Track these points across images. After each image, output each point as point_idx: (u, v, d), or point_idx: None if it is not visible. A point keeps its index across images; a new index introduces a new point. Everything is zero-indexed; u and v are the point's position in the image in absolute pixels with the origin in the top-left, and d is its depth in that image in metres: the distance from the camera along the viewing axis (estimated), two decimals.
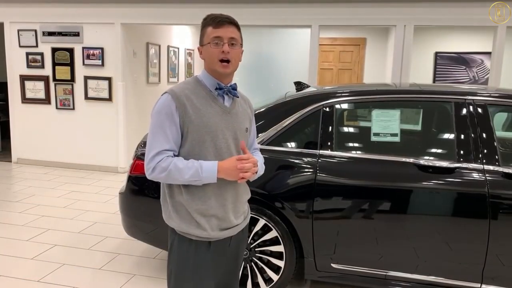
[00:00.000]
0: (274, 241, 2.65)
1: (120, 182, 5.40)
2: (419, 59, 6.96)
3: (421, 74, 7.02)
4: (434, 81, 7.06)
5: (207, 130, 1.57)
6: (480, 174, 2.40)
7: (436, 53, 6.96)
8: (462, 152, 2.48)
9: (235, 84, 1.68)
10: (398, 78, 5.21)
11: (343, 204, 2.52)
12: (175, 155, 1.59)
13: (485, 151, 2.44)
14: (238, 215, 1.71)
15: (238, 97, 1.71)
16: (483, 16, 4.87)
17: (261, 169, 1.74)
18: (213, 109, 1.61)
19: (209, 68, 1.63)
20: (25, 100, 6.20)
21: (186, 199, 1.60)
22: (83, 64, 5.94)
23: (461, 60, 6.92)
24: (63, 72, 6.03)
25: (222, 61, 1.57)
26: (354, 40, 7.37)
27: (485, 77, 6.81)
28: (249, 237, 2.67)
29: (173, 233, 1.66)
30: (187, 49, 8.05)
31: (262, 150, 2.67)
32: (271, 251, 2.67)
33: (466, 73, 6.93)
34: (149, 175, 1.57)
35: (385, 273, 2.54)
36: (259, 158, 1.80)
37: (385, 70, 7.07)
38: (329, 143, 2.62)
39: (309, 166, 2.58)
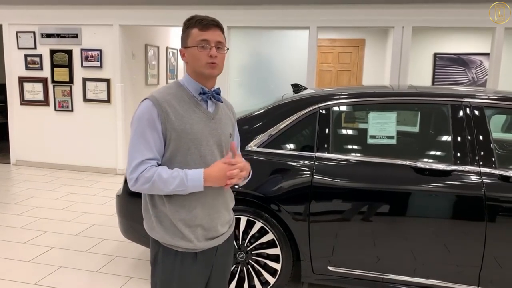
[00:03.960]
0: (270, 244, 2.64)
1: (119, 183, 5.39)
2: (418, 60, 6.95)
3: (420, 75, 7.00)
4: (433, 82, 7.05)
5: (191, 138, 1.51)
6: (476, 177, 2.39)
7: (435, 54, 6.94)
8: (458, 154, 2.47)
9: (218, 88, 1.63)
10: (397, 80, 5.21)
11: (339, 206, 2.52)
12: (158, 164, 1.51)
13: (482, 153, 2.44)
14: (224, 224, 1.66)
15: (222, 101, 1.65)
16: (482, 17, 4.86)
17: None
18: (196, 115, 1.54)
19: (194, 71, 1.56)
20: (23, 102, 6.20)
21: (170, 209, 1.53)
22: (82, 65, 5.94)
23: (460, 61, 6.91)
24: (61, 74, 6.03)
25: (209, 63, 1.51)
26: (353, 41, 7.37)
27: (484, 78, 6.80)
28: (245, 239, 2.67)
29: (156, 245, 1.59)
30: None
31: (259, 153, 2.67)
32: (267, 254, 2.67)
33: (465, 74, 6.92)
34: (132, 186, 1.49)
35: (382, 276, 2.53)
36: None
37: (384, 71, 7.06)
38: (325, 146, 2.62)
39: (305, 169, 2.57)
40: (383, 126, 2.60)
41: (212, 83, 1.61)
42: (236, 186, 2.55)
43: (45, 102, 6.14)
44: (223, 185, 1.52)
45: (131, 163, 1.49)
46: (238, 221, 2.62)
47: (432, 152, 2.74)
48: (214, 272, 1.68)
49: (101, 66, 5.89)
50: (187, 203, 1.53)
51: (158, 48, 6.91)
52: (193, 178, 1.47)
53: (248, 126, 2.76)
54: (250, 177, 1.70)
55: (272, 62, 7.00)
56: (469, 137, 2.47)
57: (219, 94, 1.62)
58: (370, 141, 2.62)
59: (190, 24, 1.55)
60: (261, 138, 2.70)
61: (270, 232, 2.61)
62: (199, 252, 1.58)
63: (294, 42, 7.07)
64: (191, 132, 1.51)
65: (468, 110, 2.53)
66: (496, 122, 3.29)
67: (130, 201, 2.91)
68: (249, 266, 2.70)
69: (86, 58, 5.91)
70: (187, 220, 1.54)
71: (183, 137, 1.51)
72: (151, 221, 1.58)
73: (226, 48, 1.58)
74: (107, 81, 5.89)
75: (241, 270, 2.69)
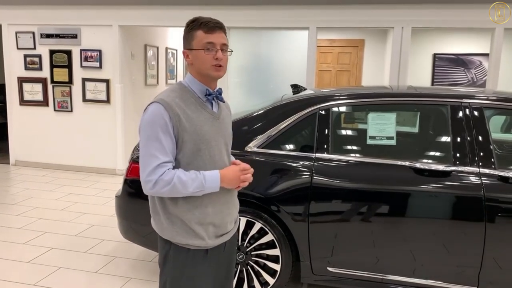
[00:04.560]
0: (270, 245, 2.64)
1: (118, 184, 5.38)
2: (418, 60, 6.96)
3: (420, 75, 7.00)
4: (432, 82, 7.05)
5: (201, 139, 1.55)
6: (476, 177, 2.39)
7: (435, 54, 6.95)
8: (458, 155, 2.47)
9: (220, 89, 1.66)
10: (396, 80, 5.21)
11: (339, 207, 2.52)
12: (173, 167, 1.54)
13: (481, 154, 2.44)
14: (232, 221, 1.72)
15: (224, 102, 1.70)
16: (481, 17, 4.87)
17: None
18: (204, 116, 1.58)
19: (199, 73, 1.59)
20: (23, 102, 6.20)
21: (182, 209, 1.56)
22: (81, 66, 5.93)
23: (460, 61, 6.91)
24: (61, 74, 6.03)
25: (215, 65, 1.55)
26: (352, 42, 7.37)
27: (484, 78, 6.80)
28: (245, 240, 2.67)
29: (167, 244, 1.62)
30: None
31: (258, 153, 2.67)
32: (267, 255, 2.67)
33: (464, 74, 6.93)
34: (150, 189, 1.50)
35: (381, 277, 2.53)
36: None
37: (383, 71, 7.06)
38: (325, 146, 2.62)
39: (305, 169, 2.57)
40: (382, 127, 2.60)
41: (215, 84, 1.65)
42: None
43: (44, 103, 6.13)
44: (235, 187, 1.61)
45: (147, 166, 1.50)
46: None
47: (432, 153, 2.74)
48: (222, 267, 1.73)
49: (100, 67, 5.88)
50: (199, 202, 1.57)
51: (157, 48, 6.91)
52: (210, 179, 1.53)
53: (248, 126, 2.75)
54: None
55: (271, 62, 7.00)
56: (468, 138, 2.48)
57: (221, 95, 1.67)
58: (369, 141, 2.62)
59: (195, 26, 1.56)
60: (261, 138, 2.70)
61: (270, 233, 2.61)
62: (210, 249, 1.62)
63: (294, 42, 7.08)
64: (201, 133, 1.55)
65: (467, 111, 2.53)
66: (495, 123, 3.29)
67: (129, 202, 2.91)
68: (248, 266, 2.70)
69: (86, 59, 5.90)
70: (199, 219, 1.58)
71: (194, 138, 1.54)
72: (161, 221, 1.61)
73: (230, 50, 1.61)
74: (107, 81, 5.89)
75: (241, 271, 2.69)
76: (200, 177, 1.51)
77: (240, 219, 2.60)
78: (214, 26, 1.55)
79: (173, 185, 1.48)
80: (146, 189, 1.51)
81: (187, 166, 1.55)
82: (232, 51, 1.63)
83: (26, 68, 6.12)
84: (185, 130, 1.52)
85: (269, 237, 2.62)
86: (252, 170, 1.66)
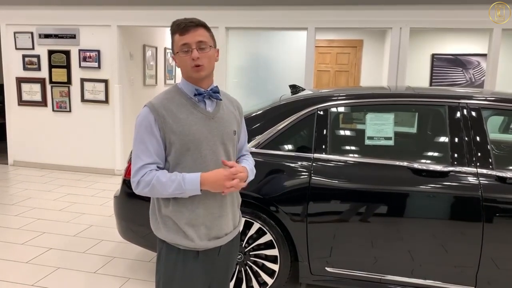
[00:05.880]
0: (268, 245, 2.64)
1: (117, 184, 5.38)
2: (416, 61, 6.97)
3: (418, 76, 7.01)
4: (431, 83, 7.06)
5: (190, 139, 1.54)
6: (474, 178, 2.40)
7: (433, 55, 6.96)
8: (456, 155, 2.48)
9: (216, 87, 1.63)
10: (395, 81, 5.22)
11: (337, 207, 2.52)
12: (159, 168, 1.56)
13: (479, 154, 2.45)
14: (228, 223, 1.68)
15: (221, 99, 1.65)
16: (480, 18, 4.88)
17: (251, 174, 1.71)
18: (194, 116, 1.56)
19: (186, 75, 1.59)
20: (21, 102, 6.19)
21: (173, 210, 1.57)
22: (80, 66, 5.93)
23: (458, 62, 6.93)
24: (59, 75, 6.02)
25: (193, 66, 1.53)
26: (351, 42, 7.38)
27: (482, 79, 6.82)
28: (243, 240, 2.67)
29: (161, 242, 1.65)
30: None
31: (257, 154, 2.67)
32: (265, 255, 2.67)
33: (463, 75, 6.94)
34: (135, 190, 1.56)
35: (380, 277, 2.54)
36: (249, 163, 1.76)
37: (382, 72, 7.07)
38: (323, 147, 2.62)
39: (303, 170, 2.58)
40: (380, 127, 2.60)
41: (207, 83, 1.61)
42: None
43: (43, 103, 6.13)
44: (221, 191, 1.55)
45: (133, 168, 1.56)
46: None
47: (430, 153, 2.75)
48: (217, 271, 1.71)
49: (99, 67, 5.88)
50: (190, 203, 1.57)
51: (156, 48, 6.91)
52: (190, 181, 1.51)
53: (246, 127, 2.75)
54: (253, 177, 1.72)
55: (270, 62, 7.01)
56: (466, 138, 2.48)
57: (218, 92, 1.63)
58: (367, 142, 2.63)
59: (173, 30, 1.57)
60: (259, 139, 2.70)
61: (268, 233, 2.61)
62: (201, 251, 1.61)
63: (292, 42, 7.09)
64: (189, 133, 1.54)
65: (465, 111, 2.54)
66: (494, 124, 3.30)
67: (128, 202, 2.91)
68: (247, 267, 2.70)
69: (84, 59, 5.90)
70: (190, 220, 1.58)
71: (182, 138, 1.54)
72: (157, 222, 1.64)
73: (210, 46, 1.55)
74: (105, 81, 5.88)
75: (239, 271, 2.69)
76: (179, 179, 1.50)
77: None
78: (186, 26, 1.52)
79: (152, 186, 1.51)
80: (133, 188, 1.57)
81: (176, 166, 1.56)
82: (211, 46, 1.57)
83: (25, 68, 6.12)
84: (171, 131, 1.53)
85: (267, 237, 2.62)
86: (242, 175, 1.57)
